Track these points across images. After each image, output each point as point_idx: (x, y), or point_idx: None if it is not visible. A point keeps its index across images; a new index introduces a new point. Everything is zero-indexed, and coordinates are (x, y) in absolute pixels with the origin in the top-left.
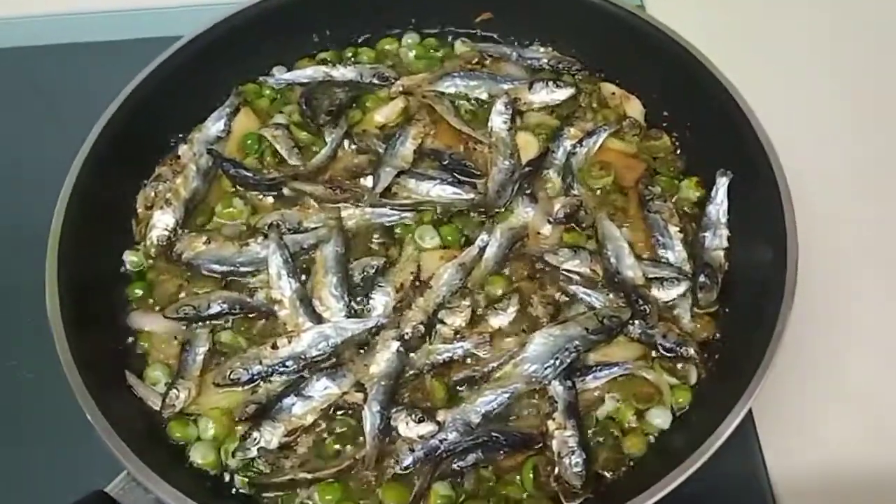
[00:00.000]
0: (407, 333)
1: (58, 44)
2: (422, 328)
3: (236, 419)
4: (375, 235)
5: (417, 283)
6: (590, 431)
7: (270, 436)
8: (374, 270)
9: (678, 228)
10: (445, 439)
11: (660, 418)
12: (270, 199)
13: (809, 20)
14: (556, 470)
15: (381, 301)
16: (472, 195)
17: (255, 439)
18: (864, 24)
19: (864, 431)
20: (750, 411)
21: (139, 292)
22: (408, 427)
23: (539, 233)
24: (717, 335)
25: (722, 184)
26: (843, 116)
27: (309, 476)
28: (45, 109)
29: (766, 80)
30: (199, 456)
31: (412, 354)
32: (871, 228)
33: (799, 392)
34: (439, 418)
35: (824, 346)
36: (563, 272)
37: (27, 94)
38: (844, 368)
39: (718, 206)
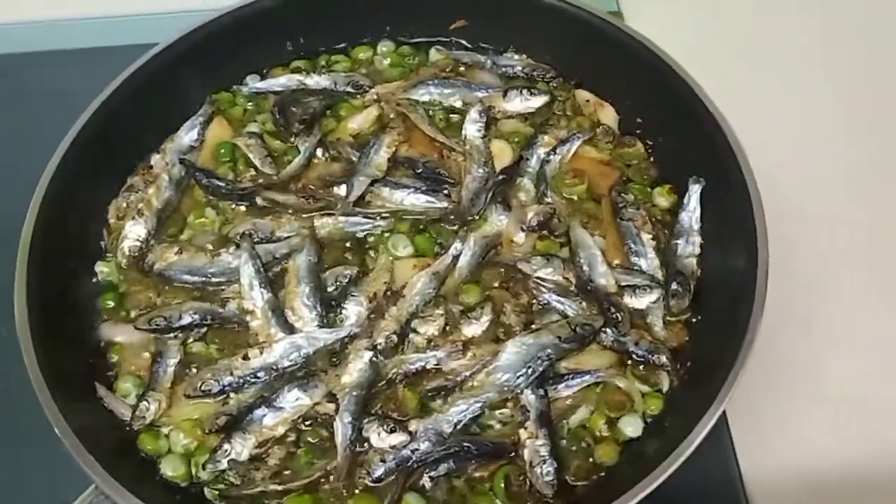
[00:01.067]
0: (379, 343)
1: (32, 51)
2: (395, 338)
3: (207, 431)
4: (348, 244)
5: (390, 293)
6: (562, 440)
7: (241, 447)
8: (346, 280)
9: (651, 236)
10: (417, 449)
11: (631, 426)
12: (243, 209)
13: (792, 26)
14: (528, 479)
15: (353, 311)
16: (445, 203)
17: (226, 451)
18: (852, 29)
19: (838, 434)
20: (724, 413)
21: (110, 303)
22: (379, 437)
23: (512, 241)
24: (689, 342)
25: (694, 191)
26: (828, 121)
27: (280, 488)
28: (19, 116)
29: (745, 87)
30: (170, 469)
31: (384, 363)
32: (853, 232)
33: (774, 394)
34: (411, 428)
35: (802, 349)
36: (537, 280)
37: (2, 101)
38: (821, 371)
39: (691, 214)
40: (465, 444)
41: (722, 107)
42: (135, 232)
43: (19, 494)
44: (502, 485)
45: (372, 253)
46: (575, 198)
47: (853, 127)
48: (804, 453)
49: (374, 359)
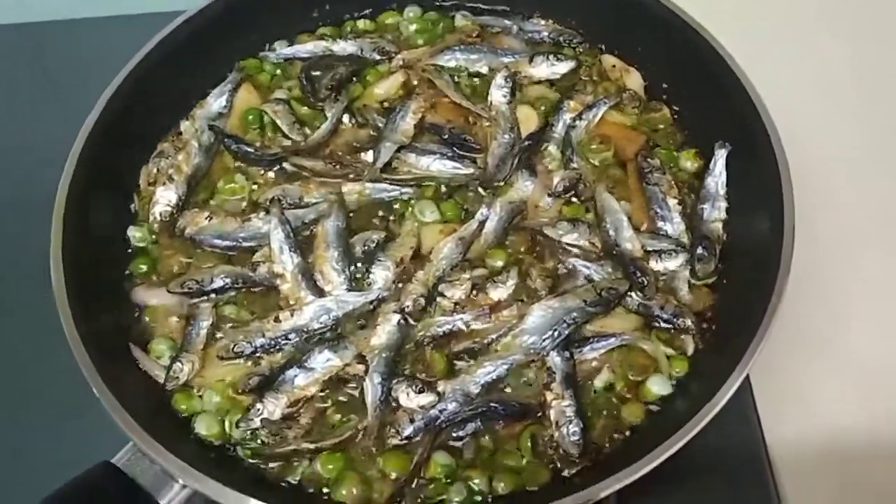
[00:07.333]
0: (407, 306)
1: (62, 19)
2: (422, 301)
3: (239, 391)
4: (376, 210)
5: (417, 258)
6: (587, 401)
7: (273, 407)
8: (374, 245)
9: (677, 200)
10: (445, 409)
11: (657, 385)
12: (272, 175)
13: None
14: (554, 439)
15: (381, 275)
16: (471, 169)
17: (259, 410)
18: None
19: (860, 400)
20: (748, 380)
21: (143, 267)
22: (408, 397)
23: (538, 206)
24: (715, 306)
25: (720, 155)
26: (851, 87)
27: (311, 446)
28: (50, 85)
29: (771, 50)
30: (204, 427)
31: (412, 325)
32: (874, 200)
33: (798, 360)
34: (439, 389)
35: (825, 316)
36: (563, 245)
37: (31, 70)
38: (843, 338)
39: (717, 178)
40: (492, 404)
41: (748, 71)
42: (165, 197)
43: (58, 454)
44: (529, 444)
45: (399, 218)
46: (601, 163)
47: (881, 95)
48: (828, 419)
49: (401, 321)
